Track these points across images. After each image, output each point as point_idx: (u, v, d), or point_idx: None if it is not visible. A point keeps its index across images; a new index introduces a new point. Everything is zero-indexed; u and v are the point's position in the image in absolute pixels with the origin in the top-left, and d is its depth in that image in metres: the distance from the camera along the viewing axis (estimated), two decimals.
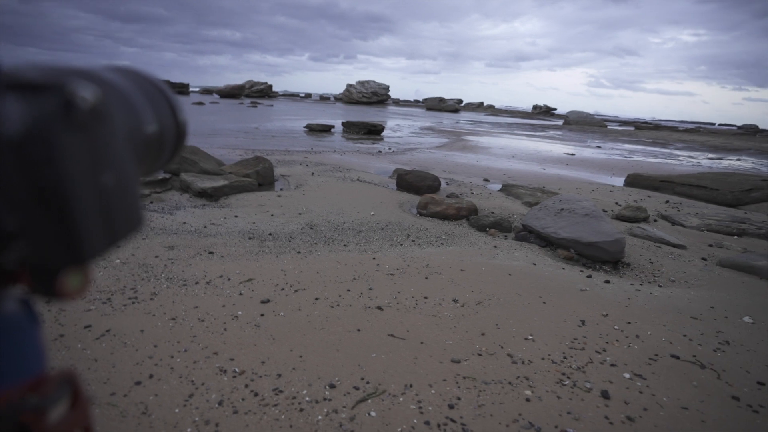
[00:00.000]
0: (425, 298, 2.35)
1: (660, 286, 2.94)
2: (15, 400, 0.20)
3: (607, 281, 2.86)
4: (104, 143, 0.21)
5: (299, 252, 3.01)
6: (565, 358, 1.86)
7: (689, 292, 2.84)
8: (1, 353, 0.20)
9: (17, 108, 0.18)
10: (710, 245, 4.07)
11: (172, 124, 0.32)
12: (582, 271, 3.07)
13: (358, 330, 1.98)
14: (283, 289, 2.36)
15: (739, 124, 45.72)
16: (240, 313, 2.07)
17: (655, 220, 4.96)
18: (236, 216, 3.83)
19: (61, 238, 0.19)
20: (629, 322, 2.23)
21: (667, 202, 6.16)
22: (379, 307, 2.21)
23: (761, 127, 44.15)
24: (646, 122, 51.49)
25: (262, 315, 2.06)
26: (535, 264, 3.06)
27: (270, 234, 3.38)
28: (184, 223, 3.53)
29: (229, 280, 2.44)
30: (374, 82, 48.37)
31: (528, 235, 3.71)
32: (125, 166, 0.22)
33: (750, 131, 39.26)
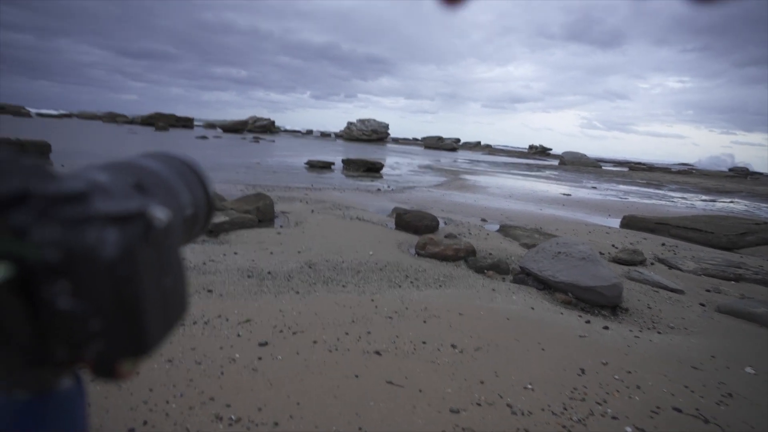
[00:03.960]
0: (424, 343, 2.33)
1: (659, 332, 2.93)
2: None
3: (606, 327, 2.85)
4: (168, 252, 0.25)
5: (298, 292, 3.01)
6: (565, 409, 1.83)
7: (689, 339, 2.83)
8: (58, 425, 0.24)
9: (114, 236, 0.22)
10: (708, 290, 4.08)
11: (205, 202, 0.37)
12: (580, 316, 3.06)
13: (356, 376, 1.95)
14: (281, 331, 2.34)
15: (730, 166, 46.89)
16: (237, 355, 2.05)
17: (652, 263, 4.99)
18: (236, 253, 3.85)
19: (132, 337, 0.23)
20: (629, 372, 2.21)
21: (663, 244, 6.22)
22: (378, 352, 2.19)
23: (752, 169, 45.15)
24: (639, 163, 52.66)
25: (259, 358, 2.04)
26: (533, 308, 3.06)
27: (269, 272, 3.38)
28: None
29: (227, 320, 2.43)
30: (374, 120, 49.80)
31: (526, 277, 3.73)
32: (179, 263, 0.26)
33: (741, 173, 40.11)
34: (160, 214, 0.23)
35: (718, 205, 14.09)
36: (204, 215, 0.37)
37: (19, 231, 0.20)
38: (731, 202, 15.60)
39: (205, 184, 0.37)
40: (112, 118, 45.24)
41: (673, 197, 15.33)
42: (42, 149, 10.42)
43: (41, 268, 0.20)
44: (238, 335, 2.26)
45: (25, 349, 0.20)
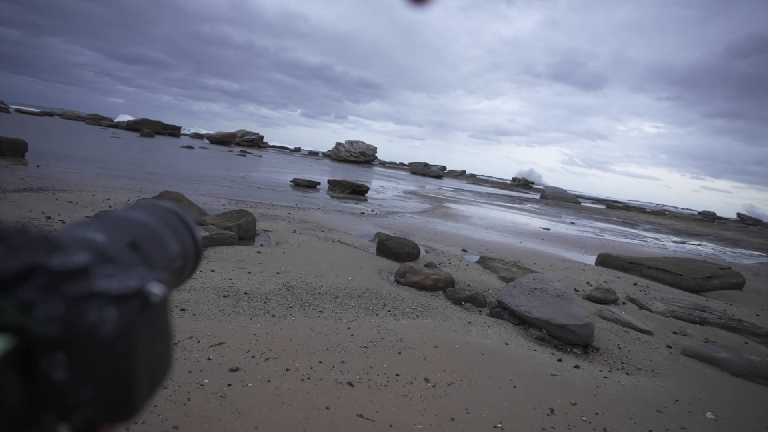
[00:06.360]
0: (397, 375, 2.33)
1: (627, 373, 3.00)
2: None
3: (577, 366, 2.90)
4: (160, 320, 0.27)
5: (273, 315, 2.97)
6: None
7: (655, 382, 2.90)
8: None
9: (113, 314, 0.24)
10: (675, 332, 4.21)
11: (193, 251, 0.39)
12: (553, 353, 3.11)
13: (327, 408, 1.93)
14: (253, 357, 2.30)
15: (699, 209, 49.24)
16: (206, 381, 2.00)
17: (623, 303, 5.13)
18: (213, 270, 3.78)
19: (121, 404, 0.24)
20: (597, 413, 2.25)
21: (635, 284, 6.41)
22: (350, 383, 2.17)
23: (718, 214, 47.36)
24: (616, 202, 54.55)
25: (229, 385, 1.99)
26: (507, 344, 3.10)
27: (245, 293, 3.33)
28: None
29: (198, 342, 2.38)
30: (363, 142, 50.34)
31: (502, 311, 3.78)
32: (168, 326, 0.27)
33: (709, 218, 42.02)
34: (156, 290, 0.25)
35: (688, 247, 14.66)
36: (192, 262, 0.39)
37: (25, 305, 0.21)
38: (699, 245, 16.26)
39: (193, 232, 0.39)
40: (97, 120, 44.31)
41: (646, 237, 15.87)
42: (17, 147, 10.10)
43: (41, 341, 0.21)
44: (209, 359, 2.21)
45: (14, 416, 0.21)
